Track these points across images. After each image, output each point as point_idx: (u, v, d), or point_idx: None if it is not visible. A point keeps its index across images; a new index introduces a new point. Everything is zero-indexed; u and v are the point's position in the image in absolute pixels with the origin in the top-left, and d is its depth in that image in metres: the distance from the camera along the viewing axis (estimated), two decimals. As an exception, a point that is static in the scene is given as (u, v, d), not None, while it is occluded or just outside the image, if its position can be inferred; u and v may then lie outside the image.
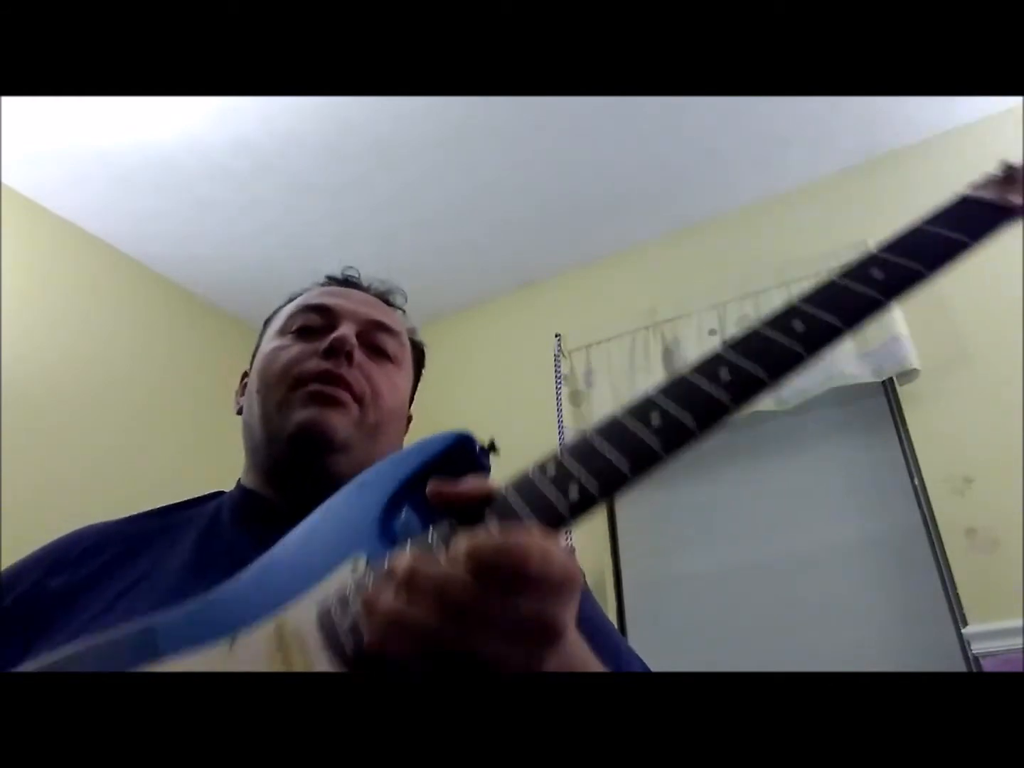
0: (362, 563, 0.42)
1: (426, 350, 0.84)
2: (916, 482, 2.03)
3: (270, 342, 0.74)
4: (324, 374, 0.67)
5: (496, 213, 2.48)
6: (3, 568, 0.66)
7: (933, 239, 0.46)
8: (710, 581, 2.20)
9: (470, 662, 0.34)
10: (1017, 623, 1.72)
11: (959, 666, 1.82)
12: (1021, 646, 1.72)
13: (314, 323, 0.72)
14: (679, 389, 0.42)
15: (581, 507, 0.39)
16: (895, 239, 0.47)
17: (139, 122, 2.02)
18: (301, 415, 0.66)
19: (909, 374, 2.05)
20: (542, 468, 0.41)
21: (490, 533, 0.36)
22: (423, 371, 0.84)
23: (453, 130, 2.16)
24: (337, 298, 0.75)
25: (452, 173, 2.31)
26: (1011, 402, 1.91)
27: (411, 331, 0.82)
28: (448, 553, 0.36)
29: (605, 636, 0.58)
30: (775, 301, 2.29)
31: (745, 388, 0.41)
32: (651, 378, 2.33)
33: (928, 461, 2.02)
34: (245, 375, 0.82)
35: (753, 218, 2.51)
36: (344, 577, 0.42)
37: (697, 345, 2.34)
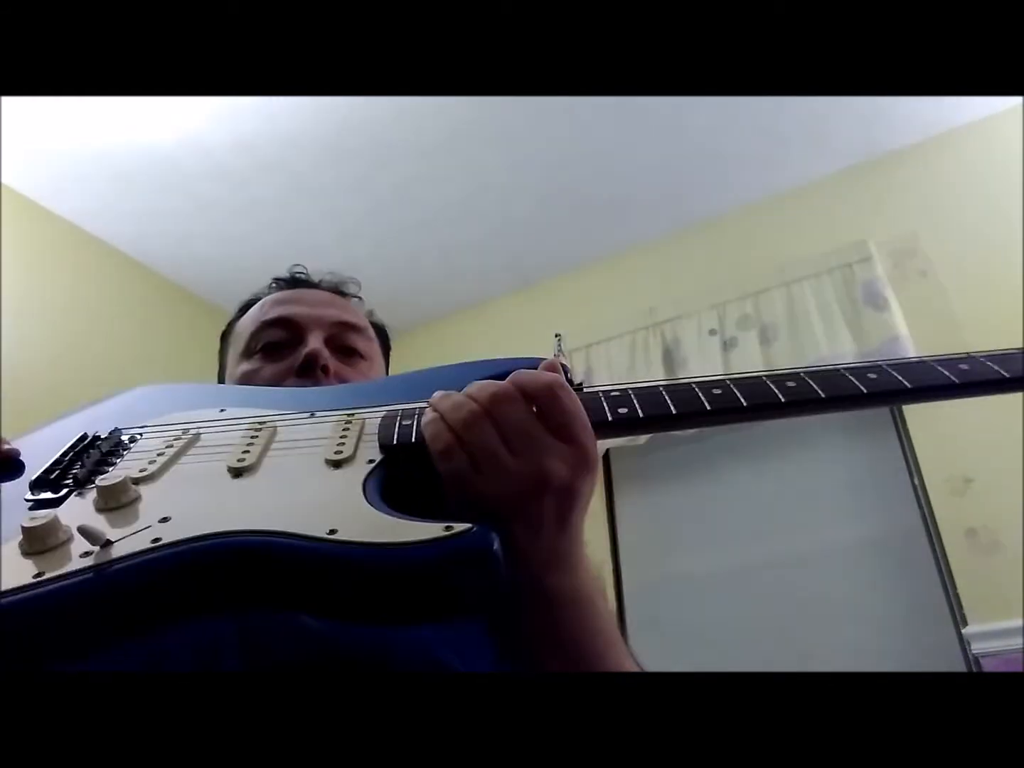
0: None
1: (389, 331, 0.83)
2: (916, 482, 2.03)
3: (237, 366, 0.71)
4: None
5: (496, 213, 2.48)
6: None
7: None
8: (710, 581, 2.20)
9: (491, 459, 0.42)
10: (1017, 623, 1.72)
11: (959, 666, 1.82)
12: (1021, 646, 1.72)
13: (279, 338, 0.70)
14: (745, 380, 0.49)
15: (625, 422, 0.48)
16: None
17: (139, 122, 2.02)
18: None
19: (909, 374, 2.05)
20: (608, 392, 0.50)
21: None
22: (390, 350, 0.83)
23: (453, 130, 2.15)
24: (295, 306, 0.73)
25: (452, 173, 2.31)
26: (1011, 402, 1.91)
27: (370, 314, 0.81)
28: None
29: None
30: (775, 301, 2.29)
31: (801, 397, 0.47)
32: (651, 378, 2.33)
33: (928, 461, 2.02)
34: None
35: (753, 218, 2.51)
36: (416, 406, 0.50)
37: (697, 345, 2.34)
